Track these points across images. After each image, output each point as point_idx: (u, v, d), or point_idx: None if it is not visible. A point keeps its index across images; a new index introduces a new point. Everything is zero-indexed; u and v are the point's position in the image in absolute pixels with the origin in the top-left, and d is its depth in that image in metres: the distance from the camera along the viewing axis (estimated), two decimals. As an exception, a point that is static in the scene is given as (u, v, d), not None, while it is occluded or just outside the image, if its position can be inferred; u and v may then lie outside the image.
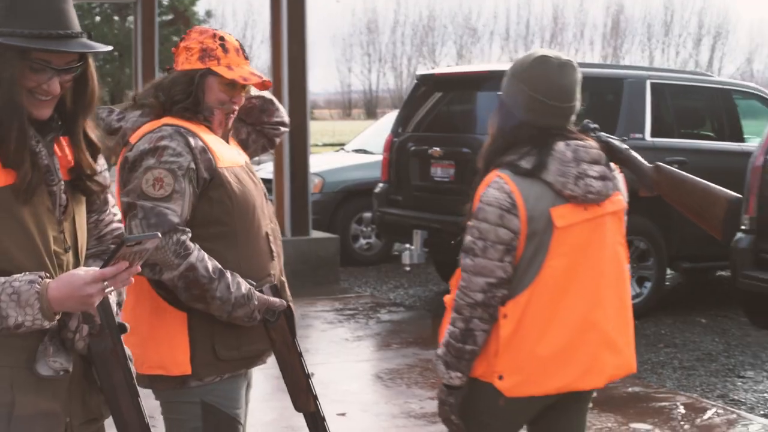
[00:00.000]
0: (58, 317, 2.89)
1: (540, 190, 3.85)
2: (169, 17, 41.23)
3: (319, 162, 14.69)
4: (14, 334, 2.88)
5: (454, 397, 3.93)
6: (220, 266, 3.73)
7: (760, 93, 12.22)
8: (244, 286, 3.76)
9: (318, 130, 51.75)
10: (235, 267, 3.78)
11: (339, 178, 14.25)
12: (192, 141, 3.76)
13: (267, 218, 3.97)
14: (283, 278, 4.02)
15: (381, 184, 12.19)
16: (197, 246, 3.70)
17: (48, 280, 2.85)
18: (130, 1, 18.83)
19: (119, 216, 3.35)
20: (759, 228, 8.17)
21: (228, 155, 3.89)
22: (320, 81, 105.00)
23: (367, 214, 13.83)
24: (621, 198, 4.06)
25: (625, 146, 4.10)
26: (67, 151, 3.10)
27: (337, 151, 17.56)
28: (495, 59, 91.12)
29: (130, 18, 29.36)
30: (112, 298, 3.12)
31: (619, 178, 4.07)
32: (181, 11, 41.53)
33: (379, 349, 9.50)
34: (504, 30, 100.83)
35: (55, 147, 3.07)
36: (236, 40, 3.96)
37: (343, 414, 7.15)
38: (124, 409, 3.05)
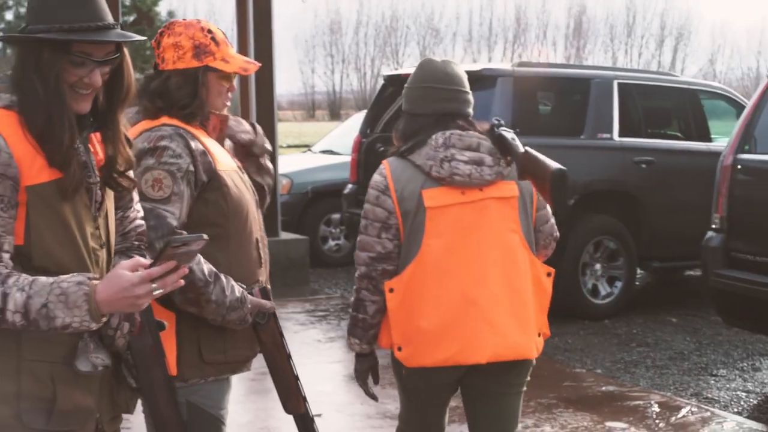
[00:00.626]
0: (105, 319, 2.88)
1: (412, 173, 4.24)
2: (133, 18, 41.06)
3: (287, 163, 14.67)
4: (60, 334, 2.88)
5: (359, 363, 4.48)
6: (215, 270, 3.70)
7: (726, 93, 12.28)
8: (238, 289, 3.74)
9: (282, 131, 51.60)
10: (226, 270, 3.75)
11: (307, 179, 14.22)
12: (192, 143, 3.73)
13: (257, 225, 3.94)
14: (268, 286, 3.99)
15: (350, 185, 12.17)
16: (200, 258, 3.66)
17: (95, 282, 2.84)
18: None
19: (142, 213, 3.37)
20: (729, 227, 8.21)
21: (225, 159, 3.86)
22: (283, 82, 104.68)
23: (336, 216, 13.81)
24: (511, 187, 4.26)
25: (512, 138, 4.25)
26: (98, 147, 3.11)
27: (304, 152, 17.53)
28: (458, 60, 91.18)
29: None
30: None
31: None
32: (144, 11, 41.34)
33: (350, 350, 9.45)
34: (467, 31, 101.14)
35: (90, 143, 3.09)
36: (219, 29, 3.90)
37: (318, 415, 7.05)
38: (162, 406, 3.08)
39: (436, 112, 4.30)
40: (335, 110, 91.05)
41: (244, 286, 3.80)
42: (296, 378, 3.88)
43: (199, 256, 3.64)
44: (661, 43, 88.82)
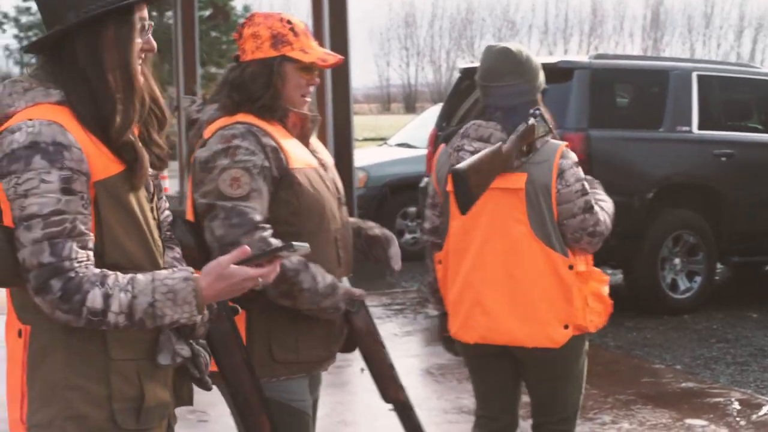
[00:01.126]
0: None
1: (446, 159, 4.59)
2: (209, 12, 41.28)
3: (363, 156, 14.66)
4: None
5: (435, 323, 4.97)
6: (303, 258, 3.66)
7: (808, 85, 12.05)
8: (328, 276, 3.72)
9: (358, 124, 51.64)
10: None
11: (383, 172, 14.20)
12: (264, 140, 3.70)
13: (338, 223, 3.87)
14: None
15: (426, 179, 12.13)
16: (279, 241, 3.61)
17: (197, 275, 2.82)
18: (171, -4, 18.87)
19: (168, 203, 3.31)
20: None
21: (301, 156, 3.81)
22: (359, 76, 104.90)
23: (412, 209, 13.78)
24: (519, 178, 4.40)
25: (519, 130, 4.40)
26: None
27: (380, 145, 17.53)
28: (534, 53, 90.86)
29: (169, 14, 29.37)
30: None
31: (546, 159, 4.40)
32: (220, 6, 41.58)
33: (428, 344, 9.45)
34: (542, 23, 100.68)
35: None
36: (301, 21, 3.85)
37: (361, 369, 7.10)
38: (246, 389, 3.09)
39: (480, 104, 4.60)
40: (410, 103, 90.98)
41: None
42: (391, 366, 3.85)
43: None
44: (740, 33, 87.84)
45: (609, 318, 4.57)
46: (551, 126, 4.41)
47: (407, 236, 14.17)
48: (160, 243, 3.03)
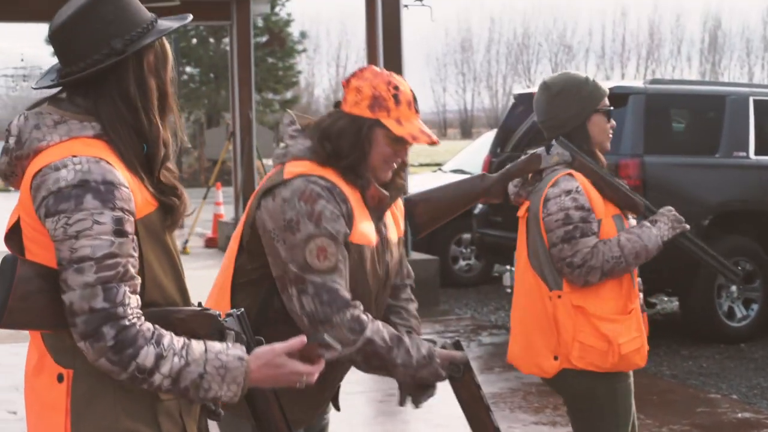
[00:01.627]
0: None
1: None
2: (265, 39, 41.54)
3: (418, 182, 14.63)
4: None
5: None
6: (396, 332, 3.57)
7: None
8: (425, 346, 3.60)
9: (414, 150, 51.65)
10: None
11: (437, 198, 14.13)
12: (344, 206, 3.54)
13: (373, 310, 3.69)
14: (459, 340, 3.85)
15: (480, 205, 12.08)
16: (370, 317, 3.53)
17: (249, 357, 2.77)
18: (226, 23, 19.00)
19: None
20: None
21: (365, 230, 3.63)
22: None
23: (467, 235, 13.72)
24: (523, 207, 4.54)
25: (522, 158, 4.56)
26: None
27: (435, 171, 17.50)
28: (591, 77, 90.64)
29: (226, 40, 29.62)
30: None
31: (543, 187, 4.44)
32: (276, 32, 41.81)
33: (481, 372, 9.38)
34: (599, 47, 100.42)
35: None
36: (410, 89, 3.65)
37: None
38: (277, 419, 3.03)
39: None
40: (467, 128, 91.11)
41: (435, 341, 3.68)
42: (496, 430, 3.76)
43: (378, 323, 3.53)
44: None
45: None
46: (572, 154, 4.40)
47: (461, 263, 14.12)
48: (184, 279, 2.98)
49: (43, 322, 2.71)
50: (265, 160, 18.60)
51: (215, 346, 2.73)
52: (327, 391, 3.76)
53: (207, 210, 21.01)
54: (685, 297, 10.39)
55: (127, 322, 2.62)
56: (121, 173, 2.70)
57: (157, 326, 2.69)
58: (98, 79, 2.77)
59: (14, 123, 2.79)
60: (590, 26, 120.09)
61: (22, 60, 65.71)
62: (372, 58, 12.59)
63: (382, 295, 3.75)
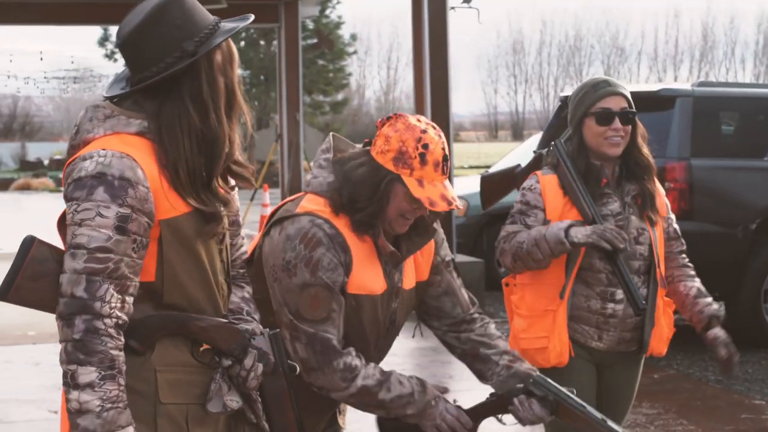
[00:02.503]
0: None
1: None
2: (314, 41, 41.64)
3: (464, 185, 14.59)
4: (189, 371, 2.88)
5: None
6: (380, 368, 3.55)
7: None
8: (413, 380, 3.58)
9: (464, 152, 51.73)
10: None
11: (483, 201, 14.07)
12: (343, 257, 3.49)
13: (377, 355, 3.70)
14: None
15: (525, 207, 12.02)
16: (361, 361, 3.51)
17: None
18: (275, 25, 19.04)
19: (246, 242, 3.25)
20: None
21: (365, 280, 3.57)
22: (466, 103, 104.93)
23: (512, 238, 13.63)
24: None
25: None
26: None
27: (483, 174, 17.44)
28: (643, 80, 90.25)
29: (276, 42, 29.64)
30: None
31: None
32: (325, 35, 41.89)
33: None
34: (652, 49, 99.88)
35: None
36: (443, 148, 3.49)
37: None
38: None
39: None
40: (518, 131, 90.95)
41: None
42: None
43: (369, 367, 3.51)
44: None
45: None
46: (556, 158, 4.47)
47: (506, 266, 14.03)
48: (225, 287, 3.00)
49: (52, 305, 2.76)
50: (312, 162, 18.62)
51: (122, 398, 2.71)
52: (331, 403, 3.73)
53: (254, 211, 21.06)
54: (731, 302, 10.28)
55: (100, 325, 2.68)
56: (146, 171, 2.76)
57: (123, 362, 2.71)
58: (170, 82, 2.84)
59: (79, 115, 2.93)
60: (643, 28, 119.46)
61: (72, 62, 66.31)
62: (418, 61, 12.58)
63: (384, 340, 3.71)
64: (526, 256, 4.37)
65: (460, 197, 12.49)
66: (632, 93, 4.58)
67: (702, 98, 10.24)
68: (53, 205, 28.02)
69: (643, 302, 4.42)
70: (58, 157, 50.06)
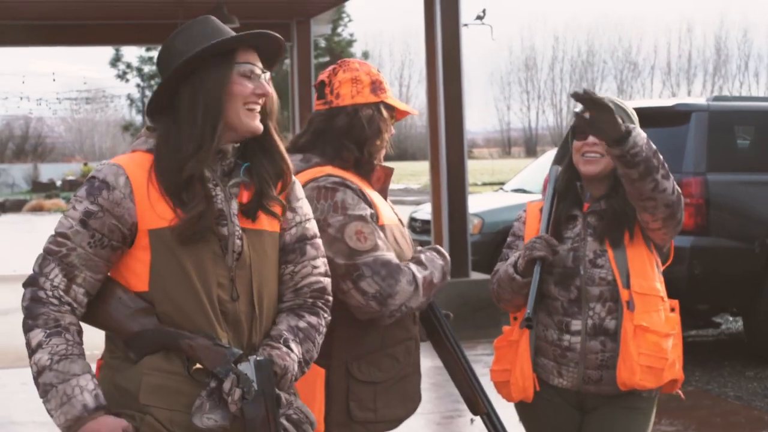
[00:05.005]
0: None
1: None
2: (326, 59, 41.67)
3: (478, 202, 14.57)
4: (177, 380, 2.98)
5: None
6: (419, 258, 3.72)
7: None
8: (432, 251, 3.78)
9: (477, 169, 51.71)
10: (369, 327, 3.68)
11: (498, 218, 14.07)
12: (360, 194, 3.62)
13: None
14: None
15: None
16: (409, 264, 3.64)
17: (101, 415, 2.94)
18: (287, 44, 19.04)
19: (323, 269, 3.28)
20: None
21: (388, 212, 3.74)
22: (478, 120, 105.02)
23: (528, 255, 13.58)
24: None
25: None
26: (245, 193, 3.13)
27: (496, 191, 17.42)
28: (656, 94, 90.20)
29: (287, 61, 29.69)
30: (293, 357, 3.11)
31: None
32: (337, 53, 41.91)
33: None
34: (665, 64, 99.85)
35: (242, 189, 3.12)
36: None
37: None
38: None
39: None
40: (531, 147, 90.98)
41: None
42: (470, 379, 3.82)
43: (411, 264, 3.64)
44: None
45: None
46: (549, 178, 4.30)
47: (522, 282, 13.97)
48: (236, 305, 3.06)
49: (104, 323, 3.05)
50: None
51: (87, 381, 2.93)
52: (412, 384, 3.83)
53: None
54: (749, 317, 10.21)
55: (42, 295, 2.97)
56: (132, 181, 2.99)
57: (71, 323, 2.96)
58: (171, 101, 3.06)
59: None
60: (655, 42, 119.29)
61: (85, 83, 66.60)
62: (431, 77, 12.53)
63: None
64: (500, 298, 4.22)
65: (475, 215, 12.48)
66: (647, 108, 4.54)
67: (717, 112, 10.19)
68: (67, 225, 28.09)
69: (529, 312, 3.94)
70: (70, 177, 50.18)
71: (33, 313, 2.95)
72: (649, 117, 4.43)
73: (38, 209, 39.95)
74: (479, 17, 34.88)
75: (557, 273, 4.11)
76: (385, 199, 3.83)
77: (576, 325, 4.08)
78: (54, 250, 2.99)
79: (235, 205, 3.07)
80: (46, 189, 48.95)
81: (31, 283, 2.99)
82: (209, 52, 3.01)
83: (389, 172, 3.80)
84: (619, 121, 3.83)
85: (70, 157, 76.84)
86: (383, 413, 3.72)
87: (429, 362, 6.65)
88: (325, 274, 3.28)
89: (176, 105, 3.04)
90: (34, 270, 3.01)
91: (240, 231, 3.06)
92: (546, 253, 4.02)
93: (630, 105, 4.33)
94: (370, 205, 3.63)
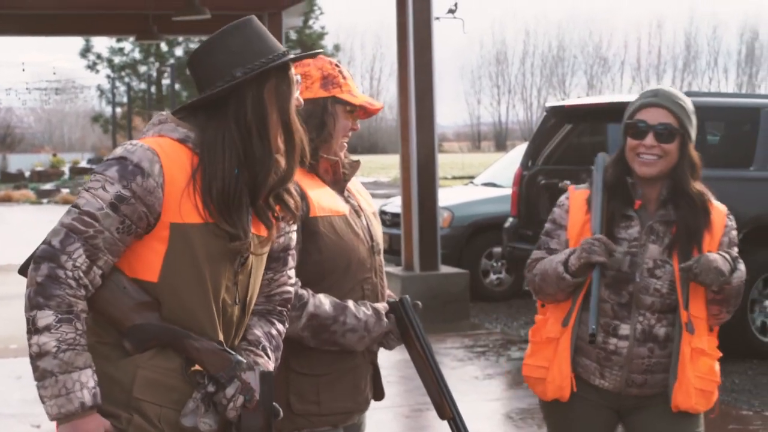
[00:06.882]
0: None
1: None
2: (297, 52, 41.64)
3: (448, 196, 14.57)
4: (171, 376, 2.96)
5: None
6: (337, 300, 3.61)
7: None
8: (366, 305, 3.67)
9: (447, 162, 51.74)
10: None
11: (468, 212, 14.08)
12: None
13: (369, 271, 3.76)
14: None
15: (511, 219, 12.01)
16: (309, 291, 3.57)
17: (93, 412, 2.88)
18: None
19: (293, 279, 3.32)
20: None
21: (327, 203, 3.69)
22: (449, 114, 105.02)
23: (497, 249, 13.63)
24: None
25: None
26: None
27: (466, 184, 17.43)
28: (626, 89, 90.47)
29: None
30: (271, 366, 3.14)
31: None
32: (308, 46, 41.87)
33: (510, 387, 9.30)
34: (635, 60, 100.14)
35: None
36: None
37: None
38: None
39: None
40: (501, 141, 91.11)
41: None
42: (438, 382, 3.70)
43: (319, 296, 3.59)
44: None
45: None
46: (594, 167, 4.14)
47: (492, 276, 14.02)
48: (235, 309, 3.07)
49: (124, 318, 2.95)
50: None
51: (89, 377, 2.86)
52: (363, 378, 3.79)
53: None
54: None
55: (62, 274, 2.84)
56: (165, 170, 2.92)
57: (82, 310, 2.86)
58: (219, 104, 3.00)
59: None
60: (626, 38, 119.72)
61: (55, 73, 66.23)
62: (403, 71, 12.54)
63: (372, 257, 3.79)
64: (540, 291, 4.11)
65: (445, 208, 12.52)
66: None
67: (687, 108, 10.20)
68: (35, 216, 27.97)
69: (593, 327, 3.86)
70: (39, 168, 49.87)
71: (47, 292, 2.82)
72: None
73: (6, 200, 39.67)
74: (451, 11, 34.82)
75: (610, 276, 3.99)
76: (342, 190, 3.79)
77: (624, 329, 4.00)
78: (80, 229, 2.85)
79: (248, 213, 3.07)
80: (15, 180, 48.58)
81: (50, 258, 2.84)
82: (274, 65, 3.00)
83: (335, 163, 3.74)
84: (725, 272, 3.94)
85: (40, 147, 76.39)
86: (328, 406, 3.68)
87: (399, 355, 6.65)
88: (294, 284, 3.34)
89: (231, 107, 2.99)
90: (52, 245, 2.85)
91: (252, 236, 3.07)
92: (605, 258, 3.91)
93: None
94: (302, 197, 3.57)
